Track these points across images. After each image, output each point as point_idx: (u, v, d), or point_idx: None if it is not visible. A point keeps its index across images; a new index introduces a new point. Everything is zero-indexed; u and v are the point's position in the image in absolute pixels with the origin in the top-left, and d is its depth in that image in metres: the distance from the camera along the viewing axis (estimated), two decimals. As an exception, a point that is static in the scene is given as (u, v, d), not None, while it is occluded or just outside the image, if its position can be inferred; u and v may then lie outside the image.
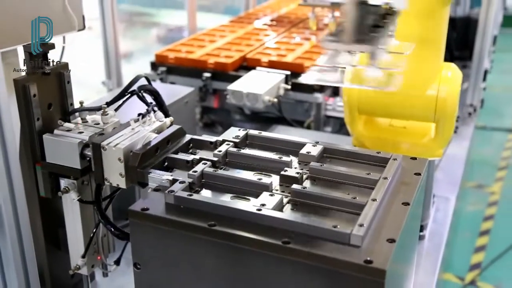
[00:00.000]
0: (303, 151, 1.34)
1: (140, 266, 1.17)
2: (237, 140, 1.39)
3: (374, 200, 1.11)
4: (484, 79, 3.42)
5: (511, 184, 4.71)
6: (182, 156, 1.33)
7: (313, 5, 3.21)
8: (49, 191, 1.47)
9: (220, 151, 1.33)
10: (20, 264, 1.45)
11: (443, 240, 2.17)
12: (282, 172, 1.25)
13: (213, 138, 1.40)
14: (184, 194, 1.14)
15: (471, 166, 4.39)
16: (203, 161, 1.29)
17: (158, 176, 1.25)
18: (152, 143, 1.32)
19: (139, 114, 1.40)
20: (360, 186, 1.22)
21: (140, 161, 1.27)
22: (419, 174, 1.27)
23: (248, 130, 1.45)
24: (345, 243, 1.01)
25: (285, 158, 1.31)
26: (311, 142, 1.38)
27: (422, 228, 2.09)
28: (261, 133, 1.44)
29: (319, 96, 2.71)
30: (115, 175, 1.30)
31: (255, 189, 1.20)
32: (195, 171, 1.24)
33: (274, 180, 1.24)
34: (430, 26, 1.81)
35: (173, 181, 1.21)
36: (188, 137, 1.41)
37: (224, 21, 3.85)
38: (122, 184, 1.30)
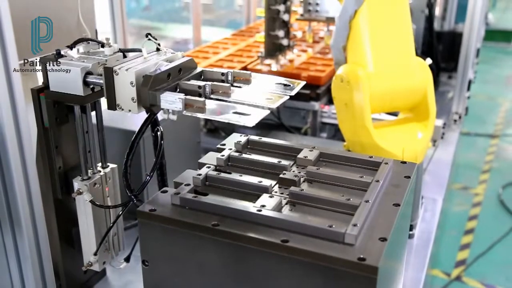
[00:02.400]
0: (301, 155, 1.34)
1: (148, 263, 1.16)
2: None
3: (367, 201, 1.10)
4: (468, 88, 3.43)
5: (494, 186, 4.71)
6: (193, 82, 1.26)
7: (309, 19, 3.24)
8: (53, 123, 1.40)
9: (223, 155, 1.32)
10: (37, 261, 1.45)
11: (431, 239, 2.16)
12: (281, 175, 1.24)
13: (224, 70, 1.33)
14: (189, 196, 1.14)
15: (457, 169, 4.39)
16: (207, 165, 1.29)
17: (170, 96, 1.16)
18: (164, 69, 1.24)
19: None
20: (354, 188, 1.21)
21: (152, 84, 1.19)
22: (409, 177, 1.26)
23: (249, 136, 1.44)
24: (340, 242, 1.00)
25: (283, 162, 1.30)
26: (308, 147, 1.38)
27: (411, 228, 2.09)
28: (261, 138, 1.43)
29: (315, 104, 2.70)
30: (127, 100, 1.22)
31: (256, 191, 1.19)
32: (199, 174, 1.23)
33: (274, 182, 1.23)
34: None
35: (186, 101, 1.13)
36: (199, 69, 1.34)
37: (226, 35, 3.85)
38: (134, 110, 1.22)
